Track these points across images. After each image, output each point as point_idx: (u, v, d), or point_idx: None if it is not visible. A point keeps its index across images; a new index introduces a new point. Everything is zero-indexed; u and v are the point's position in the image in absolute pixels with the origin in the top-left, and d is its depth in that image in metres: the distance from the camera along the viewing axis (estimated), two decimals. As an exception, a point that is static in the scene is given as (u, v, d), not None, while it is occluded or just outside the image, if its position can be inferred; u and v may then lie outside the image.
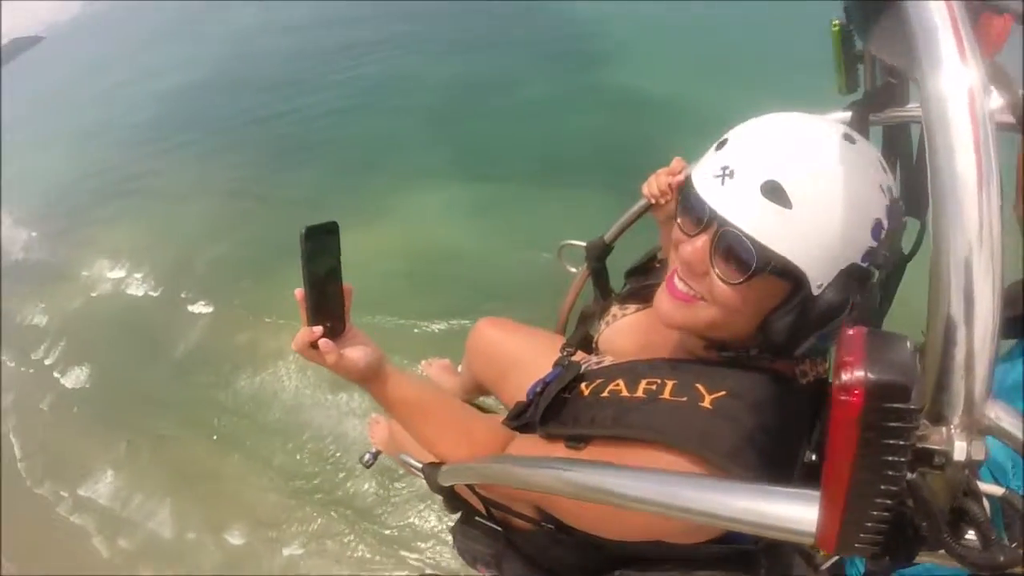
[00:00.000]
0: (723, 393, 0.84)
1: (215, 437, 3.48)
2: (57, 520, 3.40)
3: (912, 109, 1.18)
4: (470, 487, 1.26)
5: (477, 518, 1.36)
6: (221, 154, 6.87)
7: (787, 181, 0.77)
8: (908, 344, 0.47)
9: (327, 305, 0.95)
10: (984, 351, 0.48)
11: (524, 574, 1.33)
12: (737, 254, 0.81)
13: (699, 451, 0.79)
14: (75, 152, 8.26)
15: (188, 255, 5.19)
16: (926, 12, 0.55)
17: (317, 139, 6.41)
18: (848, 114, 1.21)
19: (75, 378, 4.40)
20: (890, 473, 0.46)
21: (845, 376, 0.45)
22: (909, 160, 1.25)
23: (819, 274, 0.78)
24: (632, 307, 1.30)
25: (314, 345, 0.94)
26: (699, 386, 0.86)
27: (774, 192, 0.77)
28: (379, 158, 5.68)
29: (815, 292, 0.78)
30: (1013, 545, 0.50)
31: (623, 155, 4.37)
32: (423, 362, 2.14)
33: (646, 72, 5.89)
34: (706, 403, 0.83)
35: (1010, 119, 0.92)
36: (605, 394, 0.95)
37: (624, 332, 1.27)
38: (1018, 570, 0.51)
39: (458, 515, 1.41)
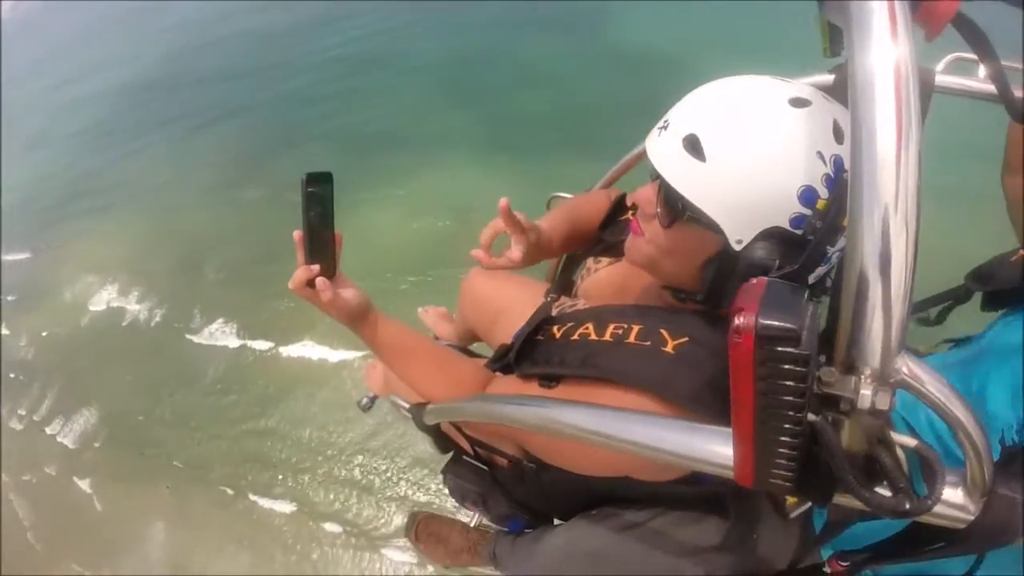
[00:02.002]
0: (685, 339, 0.89)
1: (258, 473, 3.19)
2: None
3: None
4: (457, 428, 1.35)
5: (465, 457, 1.44)
6: (202, 150, 6.32)
7: (704, 135, 0.80)
8: (804, 294, 0.51)
9: (322, 248, 1.04)
10: (897, 307, 0.51)
11: (508, 512, 1.43)
12: (665, 200, 0.87)
13: (661, 392, 0.84)
14: (31, 158, 7.64)
15: (189, 265, 4.71)
16: None
17: (308, 124, 6.10)
18: (831, 77, 1.20)
19: (78, 431, 3.90)
20: (788, 413, 0.51)
21: (737, 320, 0.50)
22: None
23: (736, 229, 0.81)
24: (605, 260, 1.33)
25: (310, 284, 1.02)
26: (663, 331, 0.91)
27: (692, 145, 0.81)
28: (386, 132, 5.48)
29: (735, 247, 0.81)
30: (925, 497, 0.54)
31: (636, 115, 4.35)
32: (420, 309, 2.19)
33: (657, 31, 5.69)
34: (668, 348, 0.88)
35: (992, 89, 0.93)
36: (575, 337, 1.01)
37: (600, 283, 1.31)
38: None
39: (449, 456, 1.50)
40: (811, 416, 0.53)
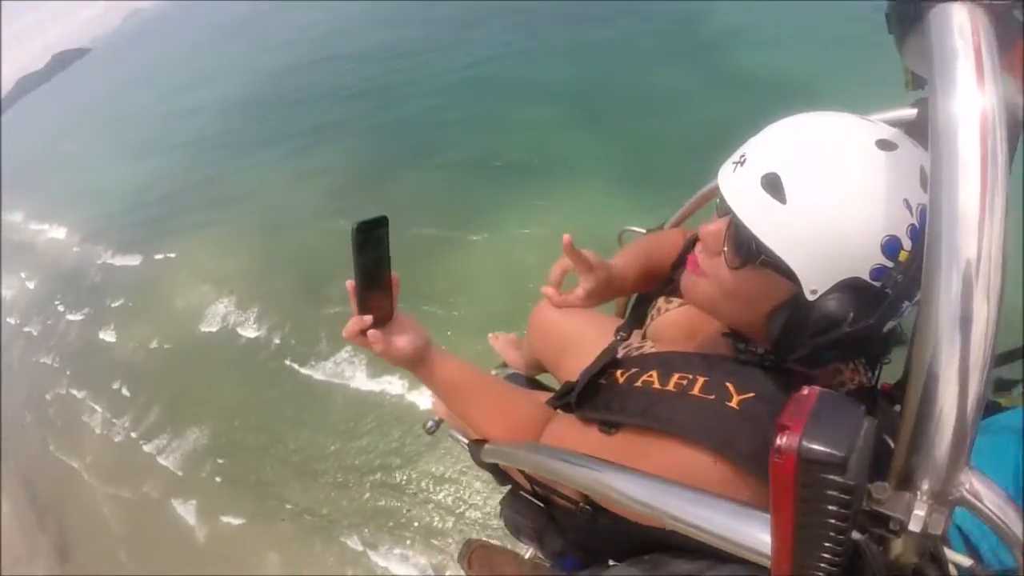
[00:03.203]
0: (752, 395, 0.84)
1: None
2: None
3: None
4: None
5: (522, 492, 1.43)
6: (321, 168, 6.20)
7: (787, 175, 0.74)
8: (859, 413, 0.45)
9: (376, 295, 1.03)
10: (967, 417, 0.45)
11: (562, 550, 1.40)
12: (736, 240, 0.81)
13: (721, 450, 0.80)
14: (142, 166, 7.74)
15: (311, 288, 4.53)
16: (946, 27, 0.50)
17: (430, 148, 5.97)
18: (914, 111, 1.07)
19: (183, 455, 3.89)
20: (830, 534, 0.45)
21: (779, 440, 0.45)
22: None
23: (812, 278, 0.75)
24: (676, 300, 1.28)
25: (363, 333, 1.02)
26: (729, 385, 0.86)
27: (772, 185, 0.75)
28: (513, 160, 5.38)
29: (809, 296, 0.75)
30: None
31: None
32: (490, 335, 2.19)
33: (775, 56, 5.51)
34: (733, 403, 0.83)
35: None
36: (638, 384, 0.97)
37: (670, 325, 1.26)
38: None
39: (507, 488, 1.49)
40: (856, 534, 0.47)
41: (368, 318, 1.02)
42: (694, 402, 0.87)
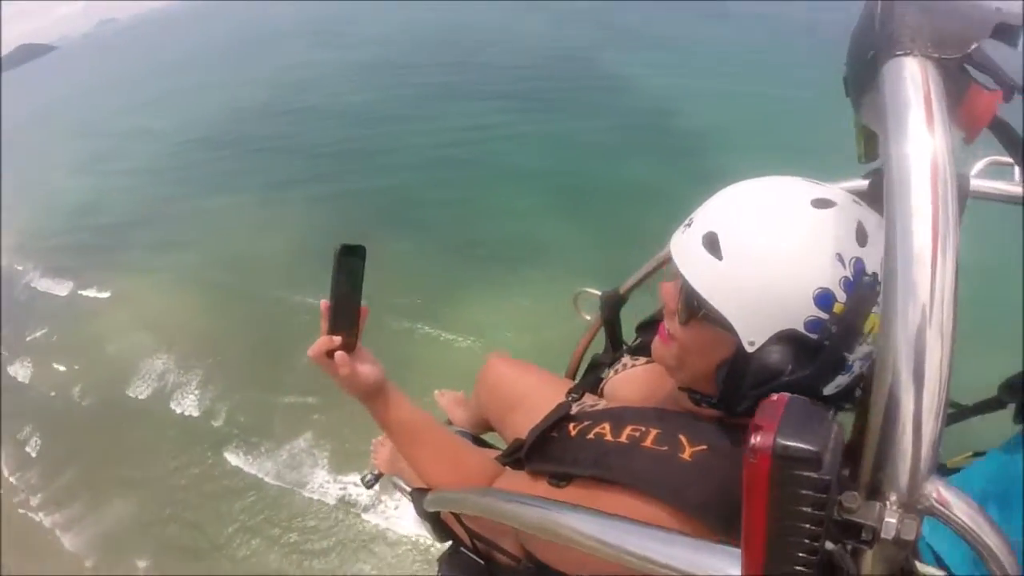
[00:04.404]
0: (704, 447, 0.85)
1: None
2: None
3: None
4: (457, 519, 1.29)
5: (462, 549, 1.37)
6: (291, 216, 6.01)
7: (723, 234, 0.80)
8: (828, 416, 0.47)
9: (347, 320, 1.04)
10: (930, 424, 0.47)
11: None
12: (684, 296, 0.86)
13: (671, 500, 0.80)
14: (87, 181, 7.29)
15: (271, 357, 4.11)
16: (899, 78, 0.55)
17: (409, 221, 5.86)
18: (866, 183, 1.18)
19: (88, 535, 3.30)
20: (804, 541, 0.45)
21: (754, 440, 0.46)
22: None
23: (749, 330, 0.78)
24: (643, 359, 1.31)
25: (329, 355, 1.01)
26: (682, 437, 0.87)
27: (711, 243, 0.81)
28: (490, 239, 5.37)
29: (748, 348, 0.78)
30: None
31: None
32: (436, 391, 2.16)
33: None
34: (686, 455, 0.85)
35: None
36: (591, 436, 0.97)
37: (629, 382, 1.29)
38: None
39: (447, 545, 1.41)
40: (829, 545, 0.47)
41: (337, 339, 1.03)
42: (646, 453, 0.88)
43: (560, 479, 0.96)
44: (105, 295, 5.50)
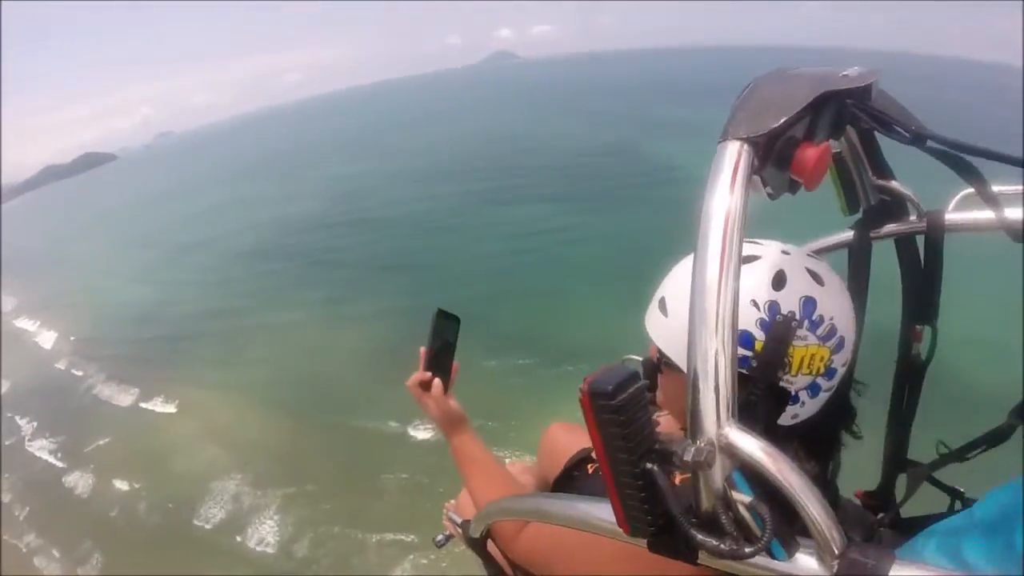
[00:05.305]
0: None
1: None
2: None
3: (911, 223, 1.25)
4: (504, 556, 1.44)
5: None
6: (345, 343, 5.74)
7: (668, 296, 1.05)
8: (632, 375, 0.69)
9: (441, 367, 1.32)
10: (723, 391, 0.67)
11: None
12: (656, 352, 1.09)
13: None
14: (145, 290, 6.99)
15: (342, 500, 3.80)
16: (721, 157, 0.75)
17: (487, 335, 5.73)
18: (851, 234, 1.30)
19: None
20: (624, 456, 0.66)
21: (581, 387, 0.69)
22: (917, 270, 1.28)
23: None
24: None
25: (424, 387, 1.30)
26: None
27: (662, 305, 1.06)
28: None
29: None
30: (754, 542, 0.64)
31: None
32: (508, 461, 2.33)
33: None
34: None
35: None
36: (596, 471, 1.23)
37: None
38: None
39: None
40: (649, 465, 0.67)
41: (430, 375, 1.31)
42: None
43: None
44: (171, 408, 5.39)
